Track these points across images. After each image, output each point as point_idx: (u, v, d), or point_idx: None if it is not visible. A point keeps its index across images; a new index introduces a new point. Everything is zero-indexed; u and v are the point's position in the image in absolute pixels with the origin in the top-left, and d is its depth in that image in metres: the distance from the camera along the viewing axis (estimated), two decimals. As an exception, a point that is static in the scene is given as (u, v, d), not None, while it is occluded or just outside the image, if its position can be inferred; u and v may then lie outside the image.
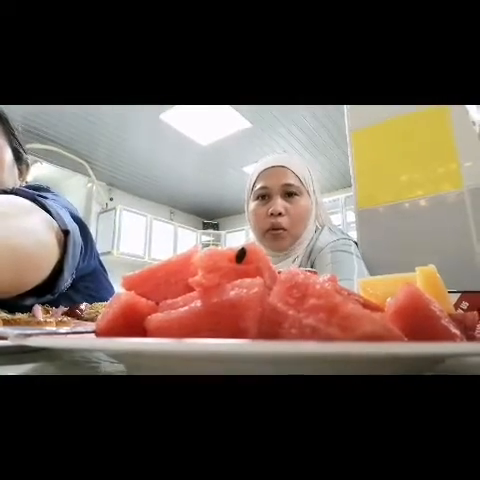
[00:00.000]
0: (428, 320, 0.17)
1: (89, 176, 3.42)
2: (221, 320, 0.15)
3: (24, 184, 0.69)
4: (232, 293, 0.15)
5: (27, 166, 0.73)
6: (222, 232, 4.73)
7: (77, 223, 0.55)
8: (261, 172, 0.81)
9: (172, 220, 4.50)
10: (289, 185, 0.78)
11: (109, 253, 3.53)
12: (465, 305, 0.32)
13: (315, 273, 0.50)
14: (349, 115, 0.98)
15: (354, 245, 0.84)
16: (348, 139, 0.99)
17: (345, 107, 0.97)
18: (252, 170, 0.86)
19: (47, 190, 0.58)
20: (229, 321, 0.15)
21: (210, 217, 4.99)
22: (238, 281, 0.16)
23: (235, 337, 0.14)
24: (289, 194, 0.78)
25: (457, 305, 0.32)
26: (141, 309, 0.18)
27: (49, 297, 0.48)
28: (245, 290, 0.15)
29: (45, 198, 0.53)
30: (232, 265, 0.18)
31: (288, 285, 0.14)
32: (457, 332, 0.17)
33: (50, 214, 0.49)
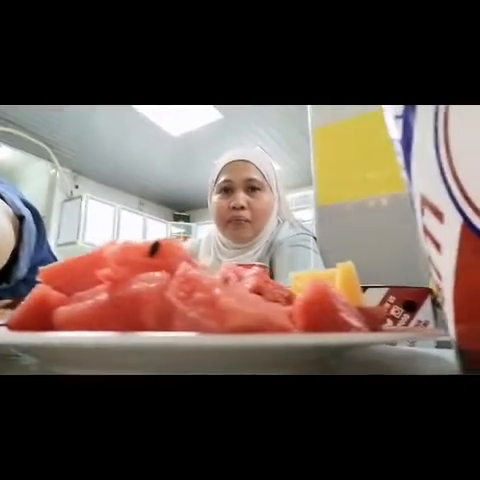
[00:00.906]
0: (330, 313, 0.18)
1: (52, 162, 3.25)
2: (122, 313, 0.15)
3: None
4: (134, 287, 0.15)
5: None
6: (193, 224, 4.69)
7: (30, 210, 0.53)
8: (225, 165, 0.82)
9: (141, 210, 4.40)
10: (252, 180, 0.79)
11: (74, 243, 3.40)
12: (392, 299, 0.34)
13: (264, 267, 0.51)
14: (312, 112, 1.00)
15: (313, 240, 0.86)
16: (310, 136, 1.01)
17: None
18: (217, 161, 0.86)
19: None
20: (129, 314, 0.15)
21: (181, 209, 4.93)
22: (143, 275, 0.16)
23: (134, 330, 0.15)
24: (252, 188, 0.79)
25: (385, 299, 0.34)
26: (52, 302, 0.18)
27: (5, 286, 0.47)
28: (146, 284, 0.15)
29: None
30: (145, 259, 0.18)
31: (182, 279, 0.14)
32: (356, 324, 0.18)
33: (3, 200, 0.47)
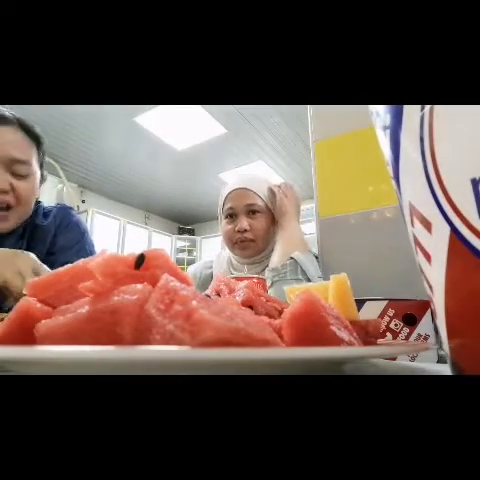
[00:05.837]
0: (318, 326, 0.17)
1: (59, 177, 3.31)
2: (102, 326, 0.15)
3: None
4: (114, 299, 0.15)
5: (43, 182, 0.80)
6: (197, 238, 4.70)
7: None
8: (228, 194, 0.91)
9: (147, 224, 4.43)
10: (252, 205, 0.87)
11: (79, 257, 3.42)
12: (391, 312, 0.33)
13: (262, 280, 0.51)
14: (313, 126, 1.01)
15: (314, 259, 0.88)
16: (311, 149, 1.01)
17: (309, 118, 1.00)
18: (222, 189, 0.94)
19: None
20: (108, 327, 0.15)
21: (186, 222, 4.95)
22: (124, 287, 0.16)
23: (112, 343, 0.14)
24: (252, 212, 0.87)
25: (384, 312, 0.33)
26: (36, 315, 0.18)
27: None
28: (127, 296, 0.15)
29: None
30: (129, 271, 0.18)
31: (163, 291, 0.14)
32: (347, 338, 0.18)
33: None
